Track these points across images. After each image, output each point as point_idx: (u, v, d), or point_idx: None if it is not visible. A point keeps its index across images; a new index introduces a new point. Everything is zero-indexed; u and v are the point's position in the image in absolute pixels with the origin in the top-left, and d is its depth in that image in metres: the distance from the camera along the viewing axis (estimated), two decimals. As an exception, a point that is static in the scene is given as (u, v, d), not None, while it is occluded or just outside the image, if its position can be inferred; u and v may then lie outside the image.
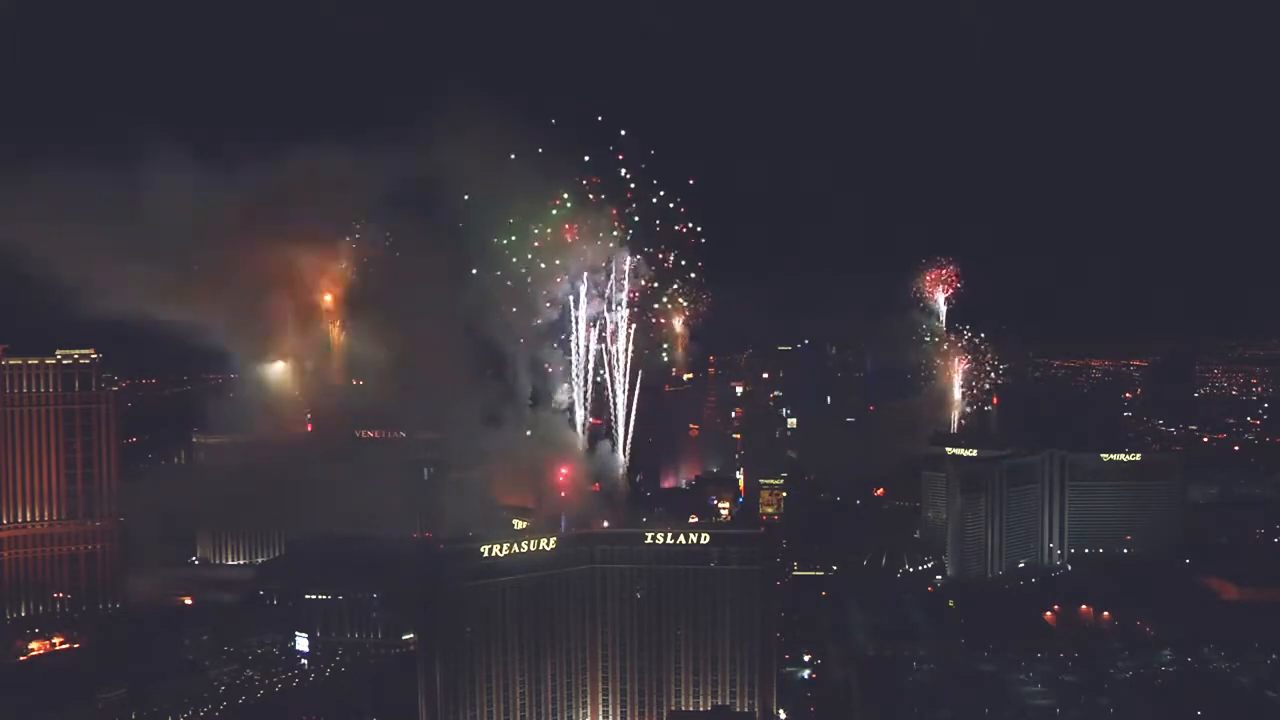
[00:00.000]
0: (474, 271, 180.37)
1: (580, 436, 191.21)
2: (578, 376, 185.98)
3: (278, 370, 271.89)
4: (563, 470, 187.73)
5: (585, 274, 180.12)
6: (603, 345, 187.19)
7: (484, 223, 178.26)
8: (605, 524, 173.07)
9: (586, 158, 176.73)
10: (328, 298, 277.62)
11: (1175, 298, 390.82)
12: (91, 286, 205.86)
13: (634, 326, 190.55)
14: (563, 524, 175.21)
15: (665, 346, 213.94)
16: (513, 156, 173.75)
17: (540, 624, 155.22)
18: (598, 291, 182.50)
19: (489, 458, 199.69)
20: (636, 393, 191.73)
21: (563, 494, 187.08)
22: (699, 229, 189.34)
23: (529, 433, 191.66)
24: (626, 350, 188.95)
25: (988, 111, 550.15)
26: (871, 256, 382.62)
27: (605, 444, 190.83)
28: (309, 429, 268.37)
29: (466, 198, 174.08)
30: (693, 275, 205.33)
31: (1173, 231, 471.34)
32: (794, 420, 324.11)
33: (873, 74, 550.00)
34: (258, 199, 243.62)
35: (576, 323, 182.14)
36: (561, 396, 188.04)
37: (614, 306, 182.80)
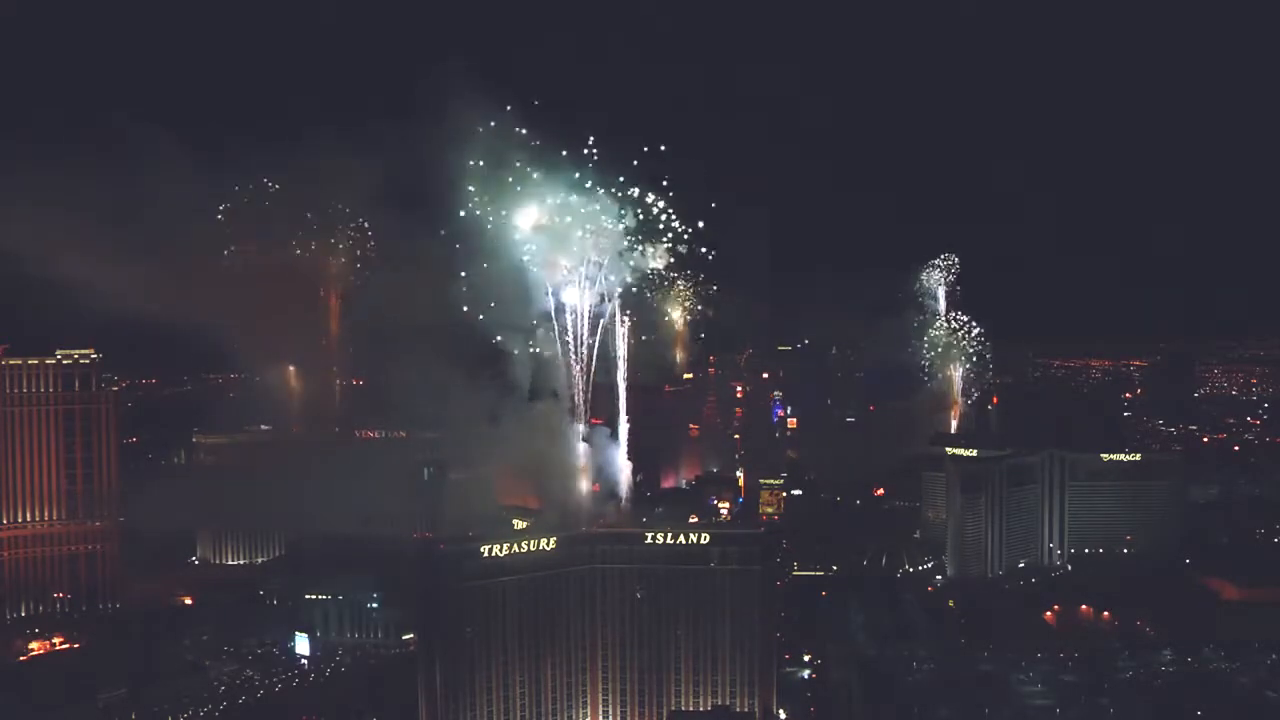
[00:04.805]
0: (470, 266, 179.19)
1: (581, 428, 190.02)
2: (576, 372, 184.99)
3: (280, 370, 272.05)
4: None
5: (583, 267, 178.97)
6: (599, 340, 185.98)
7: (480, 216, 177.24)
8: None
9: (586, 151, 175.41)
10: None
11: (1175, 298, 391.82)
12: (91, 286, 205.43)
13: (632, 323, 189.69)
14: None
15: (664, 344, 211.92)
16: (510, 150, 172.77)
17: (540, 624, 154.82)
18: (596, 287, 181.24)
19: (489, 457, 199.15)
20: (623, 388, 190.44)
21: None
22: (700, 224, 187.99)
23: (528, 429, 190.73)
24: (624, 346, 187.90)
25: (988, 110, 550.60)
26: (871, 256, 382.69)
27: (603, 431, 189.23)
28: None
29: (467, 190, 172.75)
30: (687, 274, 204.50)
31: (1173, 231, 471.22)
32: (794, 420, 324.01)
33: (872, 72, 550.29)
34: (255, 196, 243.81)
35: (574, 317, 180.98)
36: (561, 392, 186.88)
37: (611, 299, 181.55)
